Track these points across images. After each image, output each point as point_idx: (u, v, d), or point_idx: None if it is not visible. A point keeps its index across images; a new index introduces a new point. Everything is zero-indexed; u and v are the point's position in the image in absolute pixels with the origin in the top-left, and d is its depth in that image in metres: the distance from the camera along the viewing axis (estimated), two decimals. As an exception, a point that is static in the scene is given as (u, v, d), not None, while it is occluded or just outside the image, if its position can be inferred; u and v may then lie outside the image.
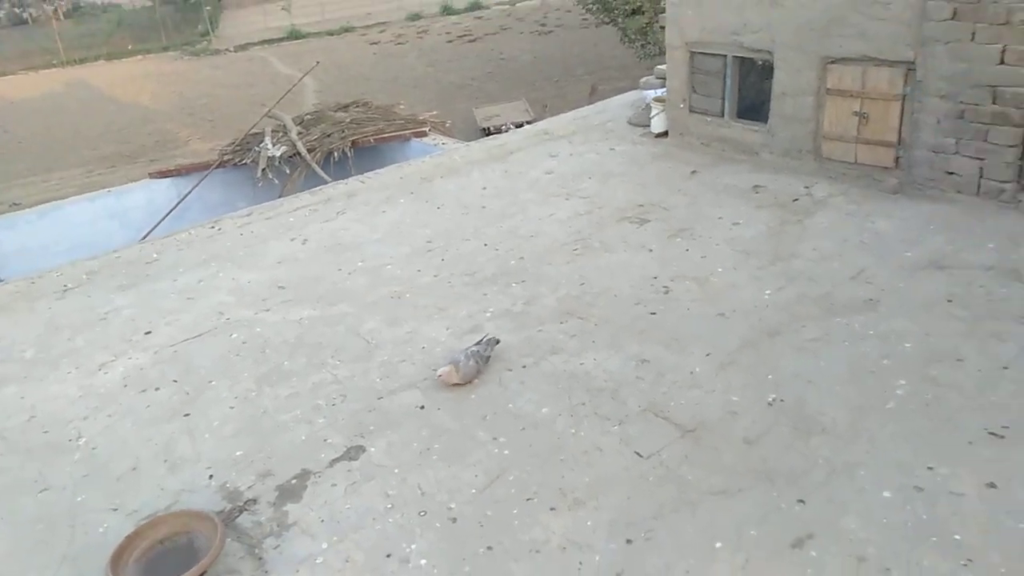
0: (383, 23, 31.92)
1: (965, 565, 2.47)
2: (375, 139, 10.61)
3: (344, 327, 4.39)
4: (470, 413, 3.53)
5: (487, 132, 14.24)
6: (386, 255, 5.28)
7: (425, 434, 3.42)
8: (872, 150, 5.33)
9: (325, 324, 4.44)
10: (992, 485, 2.77)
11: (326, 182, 7.84)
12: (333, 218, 6.06)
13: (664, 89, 6.90)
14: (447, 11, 33.03)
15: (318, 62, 17.11)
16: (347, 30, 31.46)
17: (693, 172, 6.14)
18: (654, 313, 4.21)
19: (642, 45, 15.02)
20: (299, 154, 9.89)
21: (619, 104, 8.21)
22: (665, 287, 4.47)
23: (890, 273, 4.28)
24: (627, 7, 15.38)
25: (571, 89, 17.63)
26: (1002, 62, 4.49)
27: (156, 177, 9.85)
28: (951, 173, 4.94)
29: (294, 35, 31.30)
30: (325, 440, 3.45)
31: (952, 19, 4.60)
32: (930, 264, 4.32)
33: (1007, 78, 4.50)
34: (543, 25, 27.55)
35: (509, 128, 12.39)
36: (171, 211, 8.85)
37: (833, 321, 3.92)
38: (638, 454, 3.15)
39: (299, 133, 10.52)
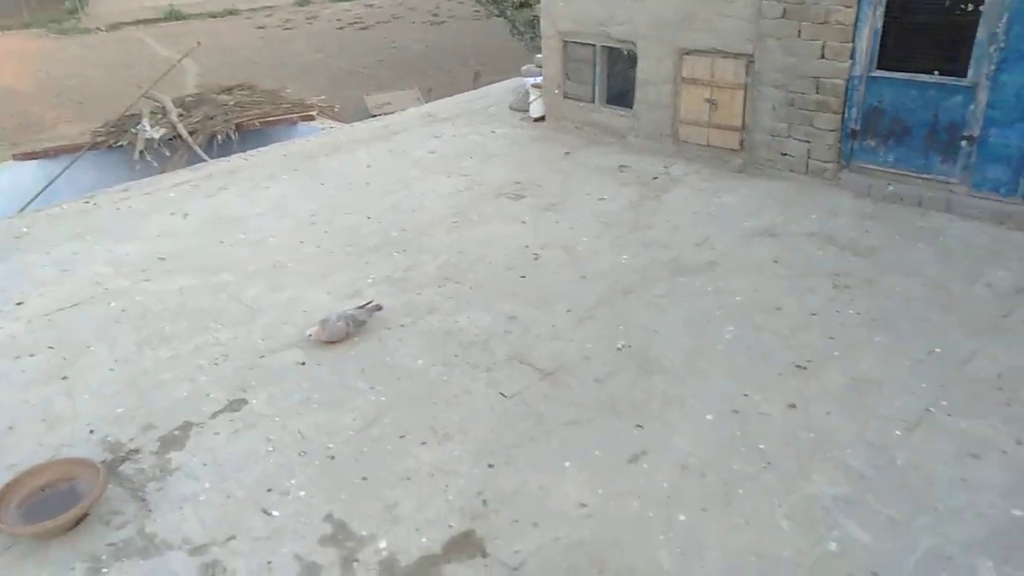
0: (270, 7, 31.01)
1: (765, 467, 2.97)
2: (261, 122, 10.51)
3: (226, 294, 4.51)
4: (349, 367, 3.77)
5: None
6: (269, 228, 5.40)
7: (306, 386, 3.64)
8: (721, 134, 5.92)
9: (207, 292, 4.55)
10: (792, 406, 3.30)
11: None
12: (215, 194, 6.10)
13: (542, 77, 7.30)
14: (337, -2, 32.43)
15: (199, 43, 16.58)
16: (231, 12, 30.36)
17: (567, 153, 6.58)
18: (524, 277, 4.58)
19: (531, 37, 15.46)
20: (180, 136, 9.67)
21: (501, 90, 8.58)
22: (535, 254, 4.85)
23: (730, 240, 4.84)
24: (516, 0, 15.81)
25: (462, 78, 17.87)
26: (823, 56, 5.14)
27: (21, 159, 9.37)
28: (785, 154, 5.59)
29: (174, 15, 29.89)
30: (207, 395, 3.60)
31: (782, 17, 5.21)
32: (764, 232, 4.92)
33: (827, 71, 5.15)
34: (435, 15, 27.64)
35: (398, 114, 12.49)
36: (40, 193, 8.48)
37: (678, 280, 4.42)
38: (502, 395, 3.50)
39: (180, 115, 10.28)
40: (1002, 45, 4.41)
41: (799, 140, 5.47)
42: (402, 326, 4.11)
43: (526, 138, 7.03)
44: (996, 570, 2.48)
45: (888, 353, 3.61)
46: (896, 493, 2.81)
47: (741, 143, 5.84)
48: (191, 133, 9.82)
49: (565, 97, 6.96)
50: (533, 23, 15.73)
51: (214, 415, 3.46)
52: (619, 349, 3.79)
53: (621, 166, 6.18)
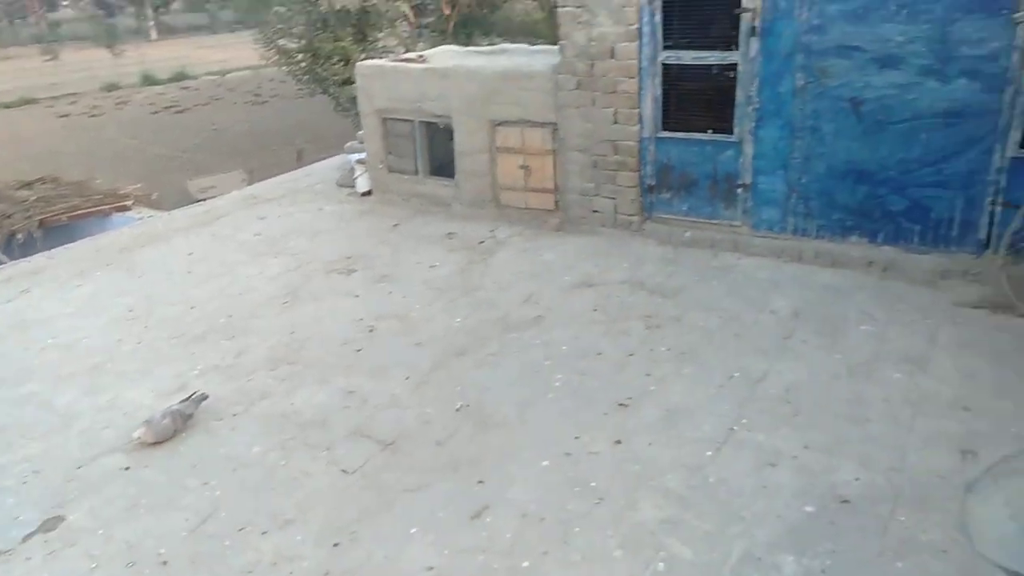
0: (73, 94, 29.21)
1: (597, 503, 3.17)
2: (68, 216, 9.86)
3: (33, 405, 4.18)
4: (179, 465, 3.61)
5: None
6: (81, 328, 5.07)
7: (132, 491, 3.43)
8: (538, 196, 6.34)
9: (10, 405, 4.18)
10: (618, 442, 3.56)
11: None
12: (16, 297, 5.64)
13: (366, 153, 7.48)
14: (149, 81, 31.20)
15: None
16: (28, 102, 28.27)
17: (395, 225, 6.75)
18: (360, 350, 4.62)
19: (356, 113, 15.75)
20: (-28, 237, 8.86)
21: (326, 167, 8.66)
22: (370, 327, 4.91)
23: (553, 294, 5.17)
24: (337, 78, 16.06)
25: (288, 157, 17.73)
26: (616, 122, 5.70)
27: None
28: (595, 211, 6.08)
29: (-41, 108, 27.36)
30: (16, 518, 3.30)
31: (577, 89, 5.75)
32: (583, 284, 5.29)
33: (621, 134, 5.72)
34: (257, 95, 27.32)
35: (223, 197, 12.14)
36: None
37: (508, 337, 4.64)
38: (344, 471, 3.50)
39: (-29, 214, 9.43)
40: (757, 105, 5.14)
41: (606, 197, 5.98)
42: (234, 415, 4.00)
43: (354, 213, 7.13)
44: (796, 563, 2.80)
45: (695, 382, 4.00)
46: (710, 508, 3.10)
47: (556, 203, 6.28)
48: (-15, 233, 9.02)
49: (390, 171, 7.16)
50: (356, 99, 16.08)
51: (25, 539, 3.17)
52: (457, 410, 3.92)
53: (449, 233, 6.42)
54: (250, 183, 15.26)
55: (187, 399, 3.99)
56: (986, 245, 4.68)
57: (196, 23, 48.59)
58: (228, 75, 31.81)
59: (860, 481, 3.19)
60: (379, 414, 3.93)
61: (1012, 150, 4.42)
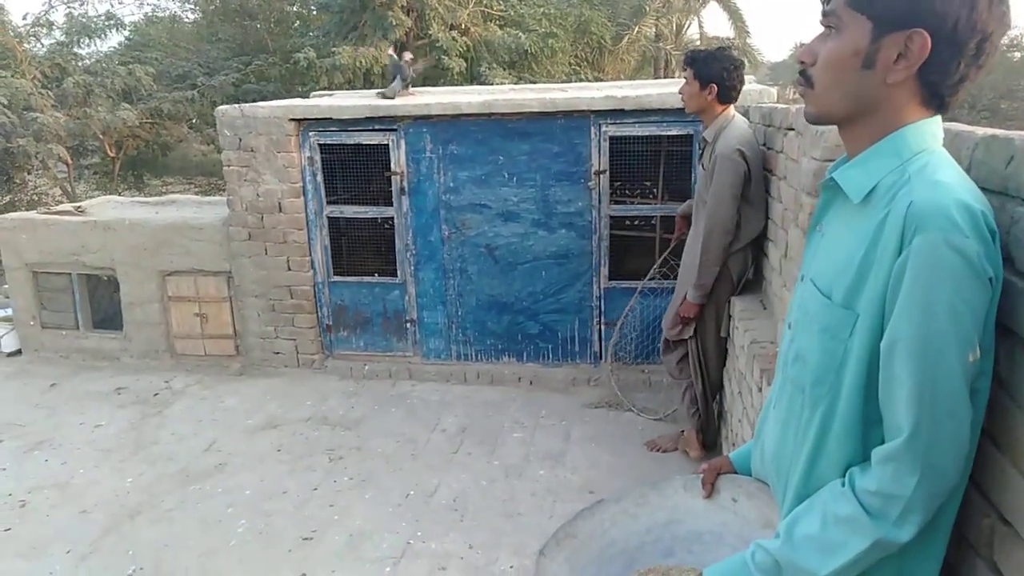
0: None
1: (282, 638, 3.29)
2: None
3: None
4: None
5: None
6: None
7: None
8: (216, 343, 6.37)
9: None
10: (303, 575, 3.73)
11: None
12: None
13: (11, 309, 6.81)
14: None
15: None
16: None
17: (52, 385, 6.19)
18: (9, 529, 4.16)
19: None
20: None
21: (-39, 327, 7.61)
22: (21, 501, 4.45)
23: (235, 439, 5.20)
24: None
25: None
26: (290, 268, 6.09)
27: None
28: (277, 352, 6.29)
29: None
30: None
31: (248, 240, 6.06)
32: (266, 425, 5.41)
33: (296, 280, 6.11)
34: None
35: None
36: None
37: (189, 489, 4.56)
38: (-11, 670, 3.13)
39: None
40: (414, 252, 5.94)
41: (286, 339, 6.24)
42: None
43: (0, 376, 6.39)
44: (463, 650, 3.21)
45: (376, 505, 4.34)
46: (389, 619, 3.41)
47: (237, 348, 6.36)
48: None
49: (43, 327, 6.61)
50: None
51: None
52: (130, 575, 3.74)
53: (118, 388, 6.09)
54: None
55: None
56: (599, 356, 5.88)
57: None
58: None
59: (514, 568, 3.76)
60: (34, 597, 3.59)
61: (604, 282, 5.72)
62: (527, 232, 5.72)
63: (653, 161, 5.82)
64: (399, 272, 6.02)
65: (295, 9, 18.45)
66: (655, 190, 6.27)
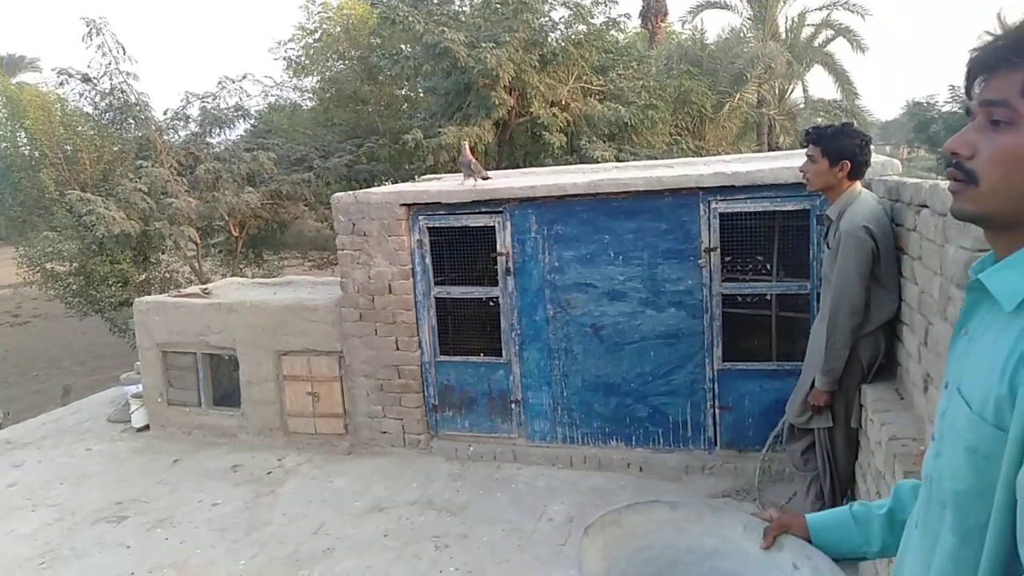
0: None
1: None
2: None
3: None
4: None
5: (-65, 445, 11.99)
6: None
7: None
8: (327, 421, 6.49)
9: None
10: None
11: None
12: None
13: (142, 385, 7.22)
14: None
15: None
16: None
17: (175, 461, 6.46)
18: (129, 611, 4.28)
19: (134, 335, 15.03)
20: None
21: (98, 402, 8.15)
22: (142, 581, 4.58)
23: (344, 522, 5.20)
24: (113, 299, 15.40)
25: (55, 384, 16.20)
26: (398, 348, 6.18)
27: None
28: (384, 432, 6.33)
29: None
30: None
31: (360, 320, 6.21)
32: (373, 508, 5.40)
33: (403, 359, 6.18)
34: (16, 316, 25.03)
35: (-34, 438, 10.76)
36: None
37: (298, 574, 4.57)
38: None
39: None
40: (519, 331, 5.89)
41: (393, 418, 6.29)
42: None
43: (128, 451, 6.73)
44: None
45: (482, 600, 4.19)
46: None
47: (346, 427, 6.46)
48: None
49: (169, 404, 6.96)
50: (133, 321, 15.43)
51: None
52: (239, 666, 3.73)
53: (234, 466, 6.28)
54: (1, 417, 13.60)
55: None
56: (714, 442, 5.56)
57: (-55, 239, 44.32)
58: (-19, 294, 28.91)
59: None
60: None
61: (718, 363, 5.46)
62: (634, 311, 5.58)
63: (767, 237, 5.59)
64: (504, 352, 5.99)
65: (404, 93, 19.45)
66: (768, 266, 6.01)
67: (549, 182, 5.78)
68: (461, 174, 6.33)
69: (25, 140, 16.73)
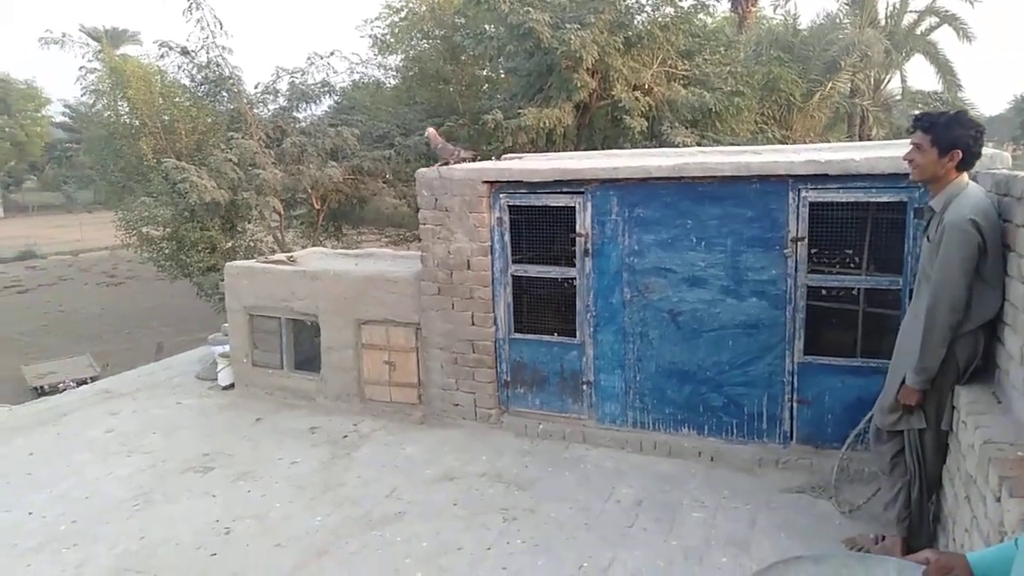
0: (-102, 270, 27.06)
1: None
2: None
3: None
4: None
5: (41, 392, 12.91)
6: None
7: None
8: (401, 390, 6.66)
9: None
10: (475, 639, 3.69)
11: None
12: None
13: (229, 346, 7.57)
14: (-11, 259, 29.55)
15: None
16: None
17: (257, 419, 6.76)
18: (215, 554, 4.52)
19: (219, 299, 15.73)
20: None
21: (187, 360, 8.59)
22: (227, 528, 4.83)
23: (415, 488, 5.35)
24: (202, 265, 16.14)
25: (146, 342, 17.15)
26: (473, 323, 6.27)
27: None
28: (457, 404, 6.46)
29: None
30: None
31: (438, 294, 6.33)
32: (444, 477, 5.53)
33: (478, 335, 6.28)
34: (112, 276, 26.51)
35: (69, 386, 11.54)
36: None
37: (370, 534, 4.73)
38: None
39: None
40: (594, 313, 5.89)
41: (466, 392, 6.40)
42: (72, 635, 3.77)
43: (214, 407, 7.08)
44: None
45: (548, 573, 4.24)
46: None
47: (419, 397, 6.61)
48: None
49: (254, 365, 7.27)
50: (219, 285, 16.14)
51: None
52: (315, 615, 3.91)
53: (312, 428, 6.52)
54: (99, 369, 14.50)
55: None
56: (790, 436, 5.44)
57: (51, 202, 47.23)
58: (81, 255, 30.74)
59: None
60: (233, 624, 3.84)
61: (799, 356, 5.33)
62: (714, 299, 5.49)
63: (858, 229, 5.40)
64: (578, 333, 6.00)
65: (485, 73, 19.52)
66: (857, 259, 5.80)
67: (633, 164, 5.73)
68: (524, 156, 6.39)
69: (127, 109, 17.59)
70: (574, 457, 5.80)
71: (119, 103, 17.69)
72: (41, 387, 13.86)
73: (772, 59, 16.92)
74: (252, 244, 16.51)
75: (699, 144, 13.60)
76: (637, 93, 14.65)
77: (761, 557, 4.32)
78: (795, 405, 5.39)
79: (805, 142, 16.40)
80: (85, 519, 4.94)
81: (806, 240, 5.20)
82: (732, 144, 13.31)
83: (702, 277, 5.50)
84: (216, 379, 7.56)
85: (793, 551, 4.36)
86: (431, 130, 7.15)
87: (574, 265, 5.92)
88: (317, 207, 17.11)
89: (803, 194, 5.15)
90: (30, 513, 5.01)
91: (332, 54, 18.60)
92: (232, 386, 7.43)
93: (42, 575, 4.29)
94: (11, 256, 29.67)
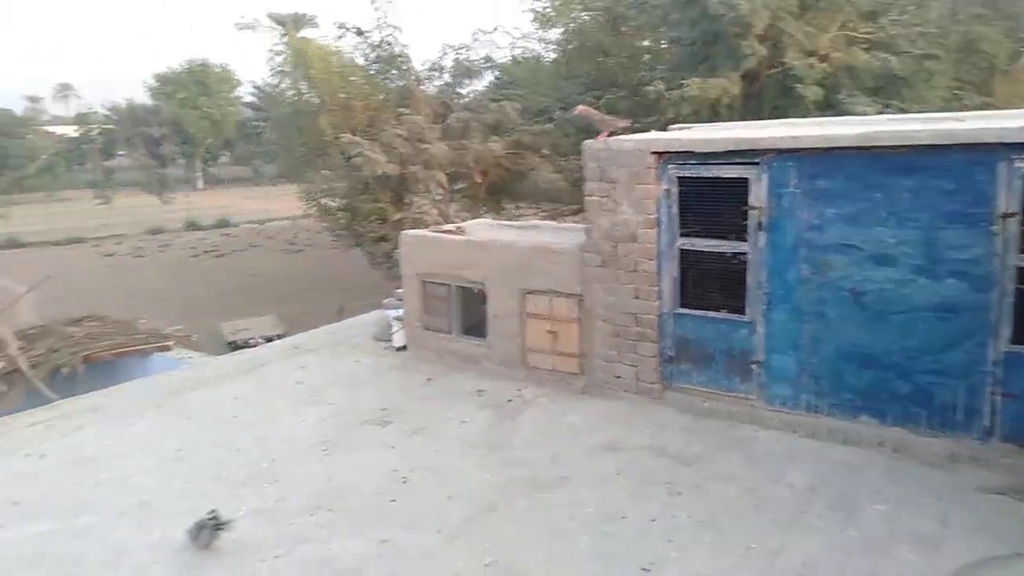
0: (119, 235, 31.00)
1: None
2: (113, 353, 10.37)
3: (89, 538, 4.42)
4: (224, 605, 3.81)
5: (236, 346, 14.41)
6: (133, 467, 5.39)
7: (178, 630, 3.62)
8: (563, 360, 6.78)
9: (67, 537, 4.43)
10: (642, 605, 3.74)
11: (50, 400, 7.57)
12: (72, 433, 6.00)
13: (403, 310, 8.04)
14: (192, 226, 33.14)
15: (48, 277, 16.23)
16: (76, 241, 30.01)
17: (428, 380, 7.16)
18: (394, 501, 4.88)
19: (389, 267, 16.73)
20: (19, 371, 9.34)
21: (365, 322, 9.23)
22: (404, 478, 5.19)
23: (578, 455, 5.45)
24: (373, 235, 17.20)
25: (323, 305, 18.55)
26: (637, 297, 6.24)
27: None
28: (618, 377, 6.47)
29: (13, 243, 29.06)
30: (69, 650, 3.49)
31: (602, 266, 6.35)
32: (606, 447, 5.58)
33: (642, 308, 6.24)
34: (293, 244, 28.88)
35: (259, 342, 12.78)
36: None
37: (537, 496, 4.89)
38: (379, 620, 3.68)
39: (20, 348, 9.96)
40: (767, 290, 5.66)
41: (628, 365, 6.40)
42: (276, 557, 4.23)
43: (390, 367, 7.57)
44: None
45: (716, 552, 4.19)
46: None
47: (581, 368, 6.69)
48: (33, 367, 9.51)
49: (425, 329, 7.68)
50: (391, 254, 17.13)
51: (77, 671, 3.35)
52: (486, 565, 4.12)
53: (479, 391, 6.81)
54: (282, 328, 15.94)
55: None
56: (990, 432, 4.97)
57: (241, 176, 52.14)
58: (267, 224, 33.73)
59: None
60: (412, 565, 4.14)
61: (1004, 345, 4.84)
62: (904, 279, 5.10)
63: (1084, 204, 4.78)
64: (748, 310, 5.79)
65: (646, 44, 19.07)
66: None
67: (815, 133, 5.41)
68: (693, 127, 6.19)
69: (308, 89, 18.95)
70: (741, 437, 5.65)
71: (300, 83, 19.11)
72: (235, 342, 15.48)
73: (972, 17, 15.18)
74: (418, 216, 17.32)
75: (881, 113, 12.56)
76: (812, 59, 13.74)
77: (954, 557, 4.01)
78: (999, 399, 4.91)
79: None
80: (282, 459, 5.49)
81: (1018, 216, 4.69)
82: (921, 113, 12.16)
83: (891, 255, 5.12)
84: (391, 340, 8.07)
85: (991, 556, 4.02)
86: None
87: (745, 239, 5.70)
88: (479, 180, 17.63)
89: (1017, 164, 4.63)
90: (237, 451, 5.65)
91: (495, 29, 18.96)
92: (405, 347, 7.89)
93: (249, 504, 4.83)
94: (210, 224, 33.22)
